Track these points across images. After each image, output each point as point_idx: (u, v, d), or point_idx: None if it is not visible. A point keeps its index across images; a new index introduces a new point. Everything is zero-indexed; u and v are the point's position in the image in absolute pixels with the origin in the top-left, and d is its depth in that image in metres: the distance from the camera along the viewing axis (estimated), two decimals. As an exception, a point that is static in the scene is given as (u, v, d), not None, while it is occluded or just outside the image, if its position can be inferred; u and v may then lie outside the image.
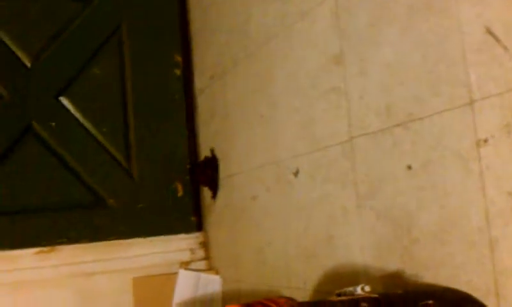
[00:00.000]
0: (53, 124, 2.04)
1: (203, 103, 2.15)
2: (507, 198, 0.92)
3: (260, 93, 1.68)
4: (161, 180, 2.15)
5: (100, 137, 2.10)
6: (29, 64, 2.03)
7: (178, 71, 2.25)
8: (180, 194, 2.17)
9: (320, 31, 1.39)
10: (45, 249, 1.93)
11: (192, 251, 2.12)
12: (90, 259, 1.99)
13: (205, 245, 2.13)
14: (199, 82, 2.18)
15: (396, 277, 1.15)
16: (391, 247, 1.17)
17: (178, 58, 2.26)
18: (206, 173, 2.08)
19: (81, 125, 2.08)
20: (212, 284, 1.99)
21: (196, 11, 2.22)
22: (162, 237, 2.09)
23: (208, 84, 2.08)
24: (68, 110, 2.07)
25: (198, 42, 2.19)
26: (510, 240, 0.92)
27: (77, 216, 2.03)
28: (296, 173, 1.50)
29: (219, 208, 2.00)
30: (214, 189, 2.03)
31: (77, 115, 2.08)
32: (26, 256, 1.90)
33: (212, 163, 2.05)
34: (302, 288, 1.46)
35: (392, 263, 1.17)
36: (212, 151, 2.06)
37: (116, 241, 2.04)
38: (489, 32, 0.94)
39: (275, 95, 1.60)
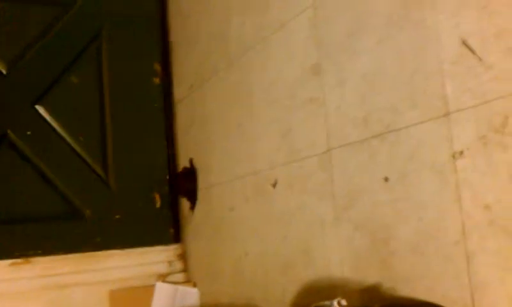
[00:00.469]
0: (29, 133, 2.00)
1: (182, 112, 2.13)
2: (484, 211, 0.91)
3: (239, 103, 1.66)
4: (139, 190, 2.12)
5: (77, 147, 2.06)
6: (4, 71, 1.99)
7: (157, 80, 2.23)
8: (158, 205, 2.14)
9: (298, 42, 1.38)
10: (19, 260, 1.89)
11: (170, 263, 2.09)
12: (66, 271, 1.95)
13: (183, 257, 2.10)
14: (178, 91, 2.16)
15: (374, 290, 1.13)
16: (369, 259, 1.16)
17: (158, 67, 2.24)
18: (185, 184, 2.05)
19: (58, 134, 2.04)
20: (190, 297, 1.96)
21: (176, 20, 2.20)
22: (139, 249, 2.06)
23: (187, 94, 2.06)
24: (44, 119, 2.03)
25: (178, 51, 2.18)
26: (486, 253, 0.91)
27: (52, 227, 1.99)
28: (274, 184, 1.48)
29: (198, 219, 1.97)
30: (193, 200, 2.01)
31: (54, 124, 2.04)
32: (1, 268, 1.85)
33: (191, 174, 2.02)
34: (280, 300, 1.44)
35: (369, 276, 1.16)
36: (191, 161, 2.04)
37: (92, 253, 2.00)
38: (465, 44, 0.94)
39: (253, 105, 1.58)
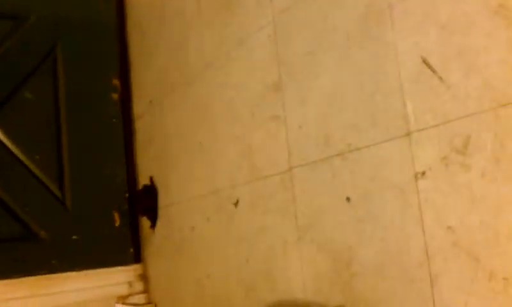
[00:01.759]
0: (-19, 151, 1.91)
1: (141, 128, 2.07)
2: (447, 233, 0.90)
3: (199, 120, 1.62)
4: (97, 209, 2.05)
5: (31, 166, 1.98)
6: (-46, 88, 1.90)
7: (115, 96, 2.17)
8: (117, 223, 2.07)
9: (258, 59, 1.35)
10: (-30, 284, 1.80)
11: (130, 284, 2.02)
12: (21, 296, 1.86)
13: (143, 277, 2.04)
14: (137, 107, 2.11)
15: (337, 314, 1.11)
16: (332, 281, 1.13)
17: (116, 82, 2.18)
18: (144, 201, 2.00)
19: (11, 152, 1.96)
20: (151, 319, 1.90)
21: (135, 34, 2.15)
22: (98, 270, 1.99)
23: (146, 110, 2.01)
24: (-4, 137, 1.95)
25: (137, 66, 2.13)
26: (450, 276, 0.89)
27: (6, 249, 1.90)
28: (236, 203, 1.45)
29: (158, 239, 1.92)
30: (153, 219, 1.95)
31: (7, 142, 1.96)
32: (-49, 293, 1.77)
33: (151, 192, 1.97)
34: (242, 324, 1.40)
35: (332, 298, 1.13)
36: (151, 179, 1.98)
37: (48, 275, 1.92)
38: (426, 62, 0.92)
39: (214, 123, 1.55)
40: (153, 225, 1.96)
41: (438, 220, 0.91)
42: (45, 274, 1.91)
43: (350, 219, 1.08)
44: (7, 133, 1.96)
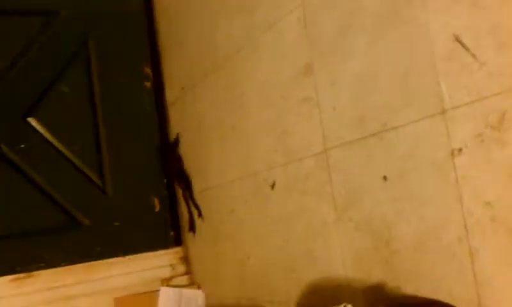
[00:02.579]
0: (22, 146, 1.98)
1: (175, 115, 2.11)
2: (485, 208, 0.91)
3: (231, 104, 1.65)
4: (137, 195, 2.11)
5: (71, 156, 2.04)
6: (-7, 86, 1.97)
7: (148, 84, 2.21)
8: (157, 208, 2.13)
9: (288, 42, 1.36)
10: (21, 275, 1.88)
11: (172, 266, 2.08)
12: (69, 283, 1.94)
13: (185, 260, 2.10)
14: (170, 94, 2.14)
15: (378, 290, 1.13)
16: (372, 259, 1.15)
17: (148, 70, 2.22)
18: (175, 154, 2.06)
19: (51, 145, 2.02)
20: (195, 299, 1.96)
21: (163, 23, 2.18)
22: (141, 255, 2.05)
23: (179, 96, 2.04)
24: (37, 131, 2.01)
25: (168, 54, 2.16)
26: (489, 250, 0.90)
27: (51, 239, 1.98)
28: (273, 186, 1.48)
29: (198, 222, 1.97)
30: (186, 183, 2.01)
31: (47, 135, 2.02)
32: (2, 284, 1.84)
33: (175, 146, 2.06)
34: (284, 302, 1.44)
35: (373, 276, 1.15)
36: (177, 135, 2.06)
37: (94, 262, 2.00)
38: (458, 40, 0.93)
39: (246, 107, 1.57)
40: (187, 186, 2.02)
41: (475, 196, 0.92)
42: (91, 260, 1.98)
43: (387, 198, 1.10)
44: (47, 126, 2.02)
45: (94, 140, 2.09)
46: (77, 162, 2.05)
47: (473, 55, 0.90)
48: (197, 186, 1.95)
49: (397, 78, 1.05)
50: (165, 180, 2.15)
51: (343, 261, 1.23)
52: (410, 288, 1.06)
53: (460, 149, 0.94)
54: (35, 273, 1.89)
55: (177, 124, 2.09)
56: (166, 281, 2.04)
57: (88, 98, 2.11)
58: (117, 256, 2.02)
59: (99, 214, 2.05)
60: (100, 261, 2.00)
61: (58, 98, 2.06)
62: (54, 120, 2.03)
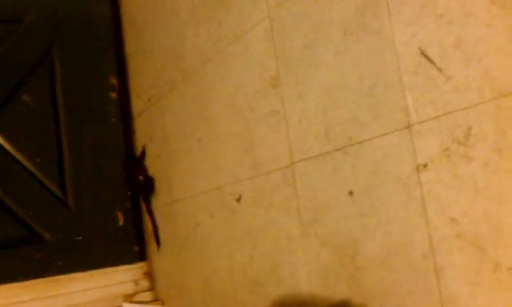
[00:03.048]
0: (-19, 156, 1.91)
1: (141, 127, 2.07)
2: (450, 224, 0.89)
3: (198, 116, 1.62)
4: (100, 209, 2.05)
5: (32, 169, 1.98)
6: (-49, 93, 1.90)
7: (114, 95, 2.16)
8: (121, 222, 2.08)
9: (255, 54, 1.34)
10: (-23, 290, 1.81)
11: (136, 282, 2.03)
12: (28, 298, 1.87)
13: (149, 275, 2.05)
14: (136, 105, 2.10)
15: (343, 307, 1.11)
16: (337, 275, 1.13)
17: (114, 81, 2.17)
18: (141, 167, 2.02)
19: (11, 156, 1.96)
20: (158, 316, 1.91)
21: (130, 32, 2.14)
22: (103, 270, 1.99)
23: (145, 107, 2.00)
24: (-4, 141, 1.94)
25: (134, 64, 2.12)
26: (455, 267, 0.89)
27: (11, 253, 1.91)
28: (239, 199, 1.45)
29: (163, 236, 1.92)
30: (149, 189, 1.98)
31: (7, 146, 1.96)
32: (-43, 300, 1.77)
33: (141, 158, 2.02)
34: (249, 319, 1.41)
35: (338, 292, 1.13)
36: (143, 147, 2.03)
37: (54, 277, 1.93)
38: (424, 54, 0.92)
39: (213, 119, 1.54)
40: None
41: (441, 212, 0.91)
42: (51, 275, 1.92)
43: (353, 213, 1.08)
44: (6, 137, 1.96)
45: (56, 151, 2.03)
46: (38, 174, 1.99)
47: (439, 69, 0.89)
48: (163, 199, 1.90)
49: (364, 92, 1.04)
50: (129, 193, 2.10)
51: (308, 277, 1.21)
52: (376, 305, 1.04)
53: (425, 165, 0.93)
54: (-7, 288, 1.82)
55: (143, 136, 2.05)
56: (129, 297, 1.98)
57: (51, 108, 2.05)
58: (79, 271, 1.96)
59: (60, 228, 1.98)
60: (61, 277, 1.94)
61: (19, 107, 2.00)
62: (14, 130, 1.97)
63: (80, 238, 1.99)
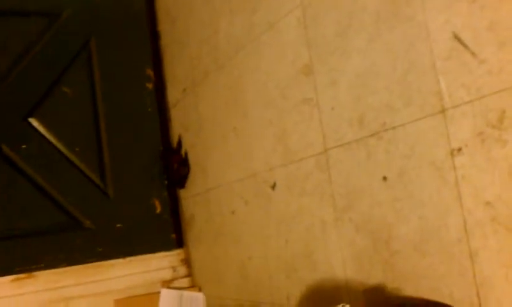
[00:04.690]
0: (24, 146, 1.98)
1: (176, 116, 2.11)
2: (485, 208, 0.90)
3: (232, 105, 1.64)
4: (138, 197, 2.11)
5: (73, 157, 2.04)
6: (-4, 86, 1.97)
7: (150, 85, 2.21)
8: (158, 210, 2.13)
9: (288, 42, 1.36)
10: (21, 275, 1.88)
11: (173, 268, 2.08)
12: (69, 284, 1.94)
13: (186, 261, 2.09)
14: (172, 95, 2.14)
15: (378, 291, 1.12)
16: (371, 259, 1.14)
17: (150, 72, 2.22)
18: (177, 156, 2.06)
19: (53, 145, 2.02)
20: (196, 301, 1.95)
21: (165, 24, 2.18)
22: (142, 256, 2.05)
23: (181, 97, 2.04)
24: (38, 132, 2.01)
25: (169, 55, 2.16)
26: (490, 251, 0.89)
27: (52, 240, 1.97)
28: (273, 186, 1.47)
29: (199, 223, 1.96)
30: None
31: (48, 136, 2.02)
32: (3, 284, 1.84)
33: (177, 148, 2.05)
34: (285, 304, 1.43)
35: (373, 276, 1.14)
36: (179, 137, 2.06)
37: (94, 263, 1.99)
38: (457, 38, 0.92)
39: (247, 107, 1.56)
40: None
41: (475, 196, 0.91)
42: (93, 261, 1.98)
43: (387, 198, 1.09)
44: (48, 127, 2.02)
45: (95, 141, 2.09)
46: (79, 163, 2.05)
47: (473, 53, 0.89)
48: (198, 187, 1.94)
49: (397, 78, 1.05)
50: (166, 182, 2.15)
51: (343, 262, 1.22)
52: (410, 289, 1.05)
53: (460, 149, 0.93)
54: (36, 273, 1.89)
55: (179, 125, 2.09)
56: (167, 283, 2.03)
57: (90, 99, 2.11)
58: (118, 257, 2.02)
59: (100, 216, 2.05)
60: (101, 263, 2.00)
61: (60, 99, 2.06)
62: (55, 121, 2.04)
63: (120, 225, 2.05)
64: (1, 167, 1.94)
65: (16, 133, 1.98)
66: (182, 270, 2.09)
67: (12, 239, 1.91)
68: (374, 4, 1.08)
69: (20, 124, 1.99)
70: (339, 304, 1.05)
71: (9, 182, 1.95)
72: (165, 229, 2.13)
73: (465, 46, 0.90)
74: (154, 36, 2.25)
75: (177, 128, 2.11)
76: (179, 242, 2.13)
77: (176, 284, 2.05)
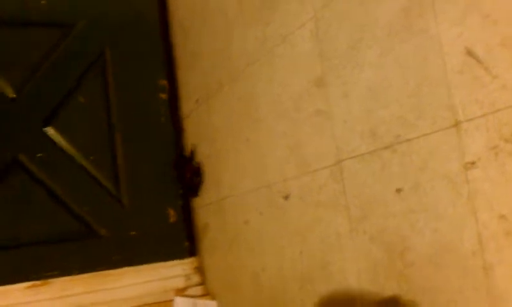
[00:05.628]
0: (40, 155, 2.00)
1: (190, 127, 2.13)
2: (499, 221, 0.90)
3: (245, 116, 1.66)
4: (152, 206, 2.12)
5: (88, 166, 2.07)
6: (13, 96, 1.99)
7: (163, 96, 2.23)
8: (172, 219, 2.14)
9: (301, 54, 1.37)
10: (37, 282, 1.90)
11: (187, 276, 2.09)
12: (83, 291, 1.95)
13: (200, 270, 2.10)
14: (185, 106, 2.16)
15: (393, 303, 1.13)
16: (386, 271, 1.15)
17: (164, 82, 2.24)
18: (191, 166, 2.07)
19: (68, 154, 2.05)
20: (209, 309, 1.96)
21: (179, 35, 2.20)
22: (156, 264, 2.06)
23: (194, 108, 2.06)
24: (54, 141, 2.03)
25: (183, 66, 2.17)
26: (504, 265, 0.90)
27: (68, 247, 1.99)
28: (287, 197, 1.48)
29: (213, 232, 1.98)
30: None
31: (64, 145, 2.05)
32: (18, 291, 1.86)
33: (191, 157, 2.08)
34: (299, 314, 1.44)
35: (388, 288, 1.15)
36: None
37: (109, 271, 2.01)
38: (470, 53, 0.92)
39: (260, 119, 1.58)
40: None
41: (490, 209, 0.92)
42: (107, 269, 2.00)
43: (402, 210, 1.10)
44: (64, 136, 2.05)
45: (110, 150, 2.11)
46: (94, 172, 2.07)
47: (486, 68, 0.90)
48: (212, 197, 1.96)
49: (409, 91, 1.05)
50: (180, 191, 2.17)
51: (357, 273, 1.23)
52: (425, 302, 1.06)
53: (473, 163, 0.94)
54: (50, 280, 1.91)
55: (192, 136, 2.11)
56: (180, 292, 2.04)
57: (104, 108, 2.13)
58: (132, 265, 2.03)
59: (115, 224, 2.06)
60: (115, 271, 2.01)
61: (75, 108, 2.08)
62: (70, 130, 2.06)
63: (134, 233, 2.07)
64: (18, 176, 1.96)
65: (32, 143, 2.00)
66: (196, 278, 2.10)
67: (27, 246, 1.94)
68: (386, 18, 1.09)
69: (36, 133, 2.01)
70: (353, 316, 1.05)
71: (26, 190, 1.97)
72: (179, 238, 2.14)
73: (478, 60, 0.91)
74: (168, 47, 2.27)
75: (191, 139, 2.12)
76: (192, 251, 2.14)
77: (189, 292, 2.06)
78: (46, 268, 1.92)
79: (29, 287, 1.88)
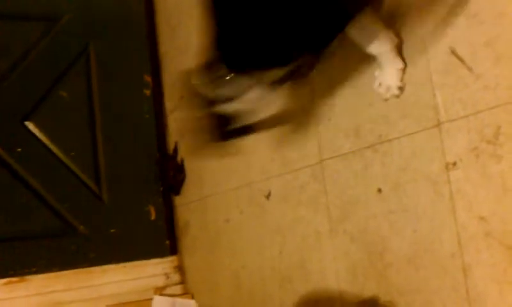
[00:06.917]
0: (19, 150, 1.97)
1: (173, 123, 2.11)
2: (479, 223, 0.90)
3: (230, 114, 1.64)
4: (133, 203, 2.10)
5: (68, 162, 2.03)
6: (-8, 89, 1.97)
7: (147, 92, 2.21)
8: (153, 217, 2.12)
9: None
10: (14, 279, 1.86)
11: (166, 275, 2.07)
12: (61, 288, 1.92)
13: (180, 269, 2.08)
14: (169, 102, 2.14)
15: (371, 304, 1.12)
16: (365, 271, 1.14)
17: (148, 78, 2.22)
18: (173, 163, 2.06)
19: (48, 149, 2.01)
20: (188, 309, 1.95)
21: (165, 31, 2.18)
22: (135, 262, 2.03)
23: (178, 104, 2.04)
24: (34, 135, 2.00)
25: (168, 62, 2.16)
26: (483, 266, 0.89)
27: (46, 244, 1.96)
28: (268, 196, 1.47)
29: (194, 231, 1.96)
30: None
31: (44, 140, 2.01)
32: (-5, 287, 1.84)
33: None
34: (278, 314, 1.43)
35: (367, 289, 1.14)
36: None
37: (88, 269, 1.98)
38: (454, 53, 0.92)
39: (244, 116, 1.57)
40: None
41: (470, 210, 0.92)
42: (85, 266, 1.97)
43: (382, 210, 1.09)
44: (44, 131, 2.01)
45: (91, 146, 2.08)
46: (74, 167, 2.04)
47: (469, 68, 0.90)
48: (194, 194, 1.94)
49: (394, 90, 1.05)
50: (161, 189, 2.14)
51: (337, 273, 1.22)
52: (403, 303, 1.05)
53: (454, 163, 0.94)
54: (28, 277, 1.88)
55: (176, 132, 2.09)
56: (160, 290, 2.02)
57: (87, 104, 2.10)
58: (111, 263, 2.00)
59: (95, 221, 2.03)
60: (94, 268, 1.98)
61: (57, 103, 2.05)
62: (51, 125, 2.02)
63: (114, 230, 2.04)
64: (-3, 170, 1.93)
65: (12, 137, 1.97)
66: (175, 277, 2.08)
67: (5, 242, 1.90)
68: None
69: (16, 127, 1.98)
70: (332, 315, 1.04)
71: (4, 185, 1.94)
72: (159, 236, 2.11)
73: (462, 60, 0.91)
74: (153, 43, 2.25)
75: (174, 135, 2.10)
76: (173, 249, 2.12)
77: (168, 291, 2.03)
78: (24, 265, 1.89)
79: (5, 284, 1.84)
